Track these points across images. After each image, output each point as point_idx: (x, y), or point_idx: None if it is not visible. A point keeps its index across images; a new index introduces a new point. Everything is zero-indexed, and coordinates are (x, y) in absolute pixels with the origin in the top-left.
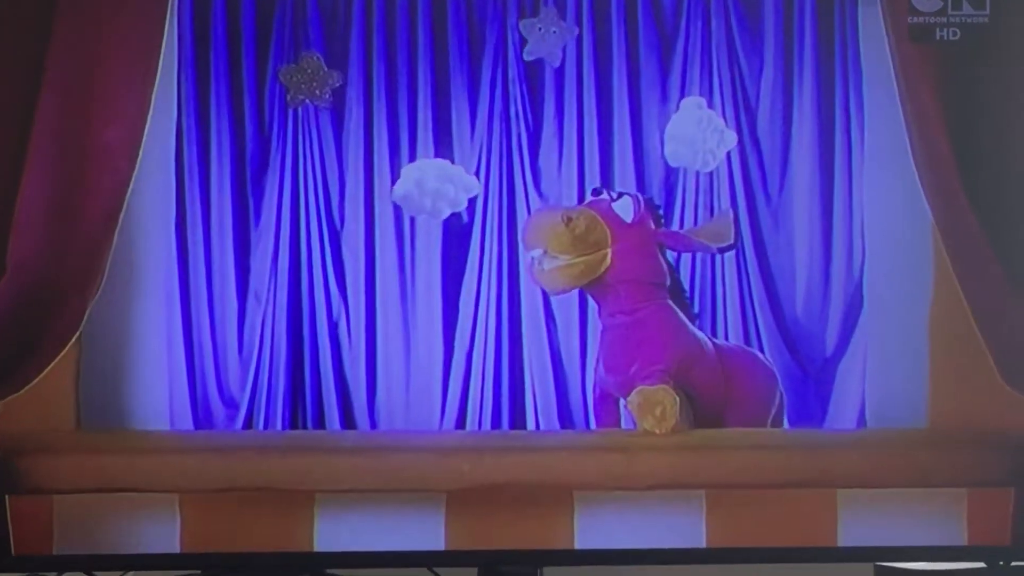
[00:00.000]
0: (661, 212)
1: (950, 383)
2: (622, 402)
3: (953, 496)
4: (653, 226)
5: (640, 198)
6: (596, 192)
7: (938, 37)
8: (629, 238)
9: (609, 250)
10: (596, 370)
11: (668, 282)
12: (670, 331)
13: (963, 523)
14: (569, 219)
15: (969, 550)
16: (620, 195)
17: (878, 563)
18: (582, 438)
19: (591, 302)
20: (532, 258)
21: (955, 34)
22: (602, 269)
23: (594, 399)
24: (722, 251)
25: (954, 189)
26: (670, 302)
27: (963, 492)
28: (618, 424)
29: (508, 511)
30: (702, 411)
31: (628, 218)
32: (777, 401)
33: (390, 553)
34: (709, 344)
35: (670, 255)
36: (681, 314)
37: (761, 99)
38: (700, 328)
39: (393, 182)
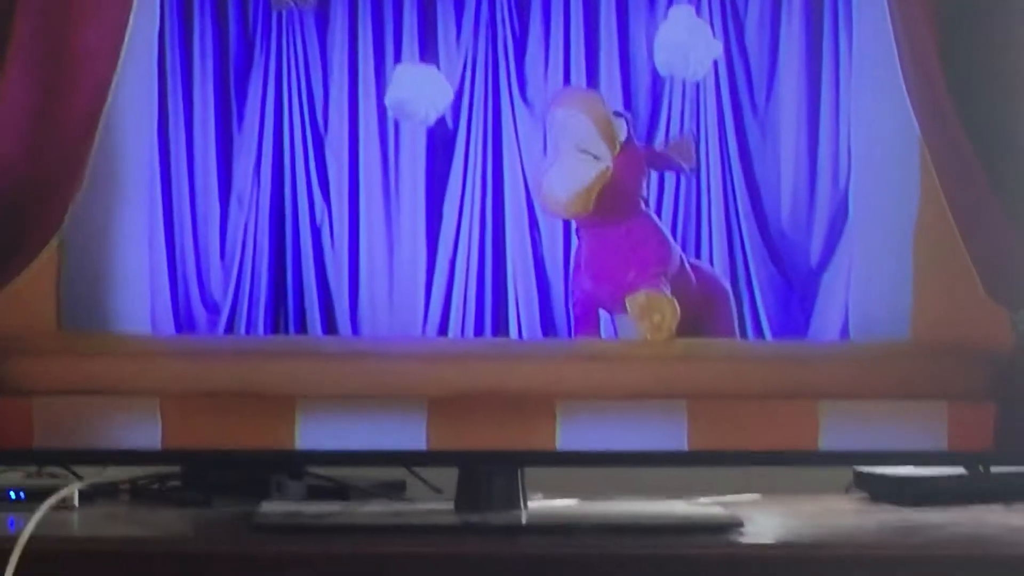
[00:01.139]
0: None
1: (934, 296)
2: (603, 314)
3: (934, 408)
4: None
5: (629, 117)
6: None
7: None
8: (625, 153)
9: (611, 163)
10: (577, 282)
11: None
12: (661, 238)
13: (944, 435)
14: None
15: (949, 455)
16: (617, 114)
17: (856, 467)
18: (564, 346)
19: None
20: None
21: None
22: (607, 177)
23: (575, 313)
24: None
25: (942, 102)
26: (652, 214)
27: (944, 404)
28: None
29: (489, 418)
30: (682, 323)
31: (622, 136)
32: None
33: (370, 452)
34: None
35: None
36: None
37: (750, 9)
38: (684, 237)
39: (378, 87)
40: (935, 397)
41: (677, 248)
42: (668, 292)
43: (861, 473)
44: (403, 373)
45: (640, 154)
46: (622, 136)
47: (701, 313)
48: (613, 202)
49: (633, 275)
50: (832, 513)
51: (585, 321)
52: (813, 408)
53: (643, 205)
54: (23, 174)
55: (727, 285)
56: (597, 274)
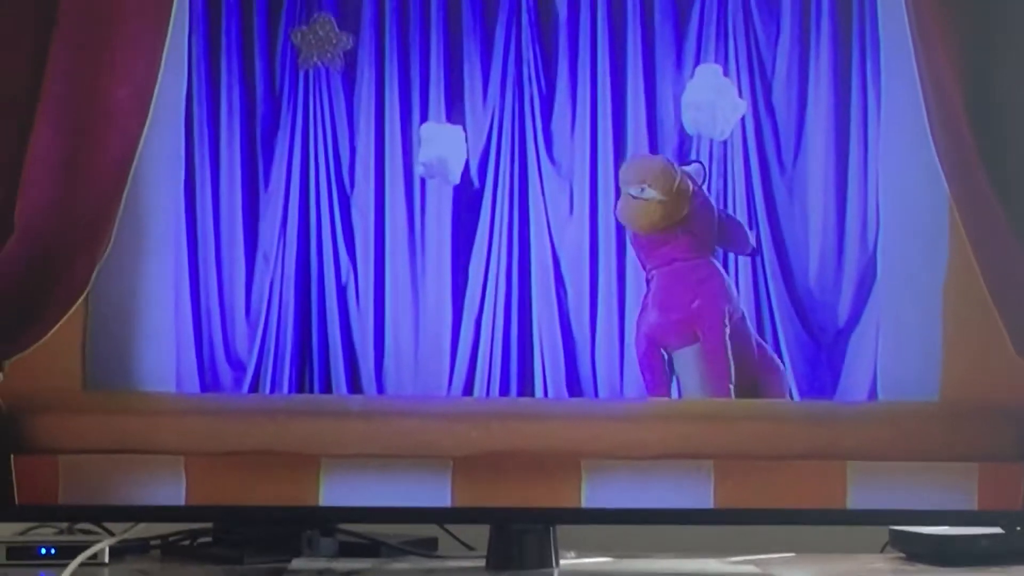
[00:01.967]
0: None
1: (964, 356)
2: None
3: (964, 470)
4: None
5: (704, 169)
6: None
7: None
8: (700, 197)
9: (690, 203)
10: (644, 318)
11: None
12: (726, 284)
13: (974, 495)
14: (672, 163)
15: (985, 514)
16: (691, 161)
17: (892, 527)
18: (590, 406)
19: (600, 272)
20: (629, 194)
21: None
22: (679, 216)
23: (639, 353)
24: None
25: (971, 160)
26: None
27: (974, 467)
28: (667, 379)
29: (515, 478)
30: (738, 376)
31: (699, 179)
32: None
33: (402, 509)
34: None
35: None
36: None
37: (777, 67)
38: None
39: (405, 146)
40: (965, 458)
41: (740, 303)
42: (727, 336)
43: (897, 532)
44: (428, 432)
45: (711, 205)
46: (699, 179)
47: (758, 379)
48: (687, 242)
49: (698, 304)
50: (869, 572)
51: (651, 365)
52: (841, 469)
53: (712, 255)
54: (51, 232)
55: (782, 366)
56: (664, 304)
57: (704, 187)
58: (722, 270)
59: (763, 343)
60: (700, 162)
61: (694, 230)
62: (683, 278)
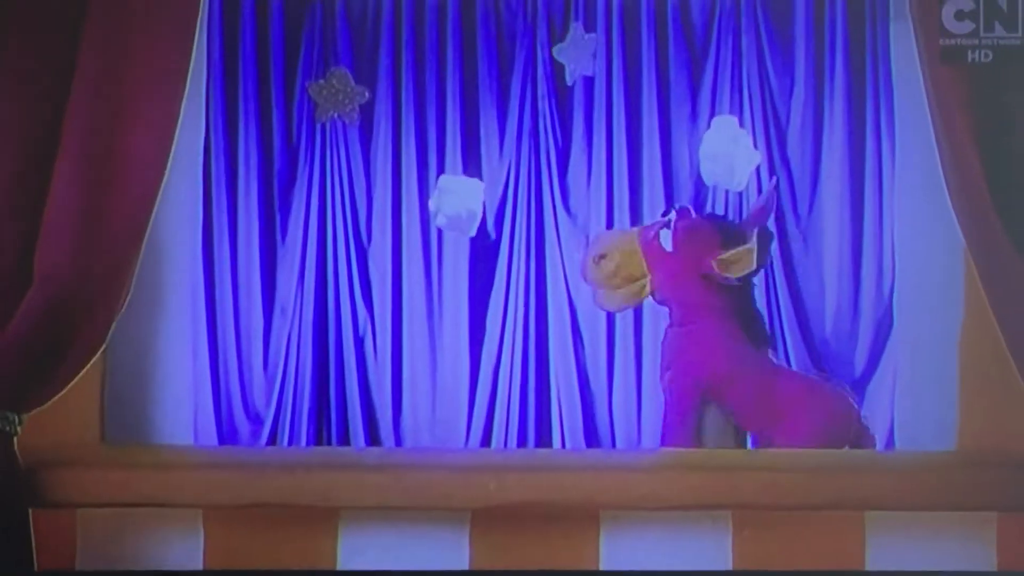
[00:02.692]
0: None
1: (980, 405)
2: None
3: (983, 520)
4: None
5: (700, 225)
6: (678, 211)
7: (970, 59)
8: (668, 267)
9: (646, 280)
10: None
11: (725, 302)
12: (711, 348)
13: (993, 548)
14: (600, 258)
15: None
16: (667, 221)
17: None
18: (608, 457)
19: (617, 322)
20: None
21: (987, 56)
22: (644, 295)
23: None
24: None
25: (986, 211)
26: (731, 321)
27: (993, 516)
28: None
29: (533, 530)
30: (742, 427)
31: (668, 247)
32: (853, 432)
33: (419, 573)
34: (767, 366)
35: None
36: (737, 333)
37: (791, 118)
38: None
39: (421, 198)
40: (983, 508)
41: (746, 357)
42: (692, 408)
43: None
44: (446, 484)
45: (693, 261)
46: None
47: (785, 422)
48: (671, 305)
49: (669, 376)
50: None
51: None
52: (859, 520)
53: (712, 311)
54: (70, 284)
55: (848, 399)
56: (660, 368)
57: (682, 243)
58: (725, 331)
59: (813, 381)
60: (671, 221)
61: (672, 297)
62: (667, 347)
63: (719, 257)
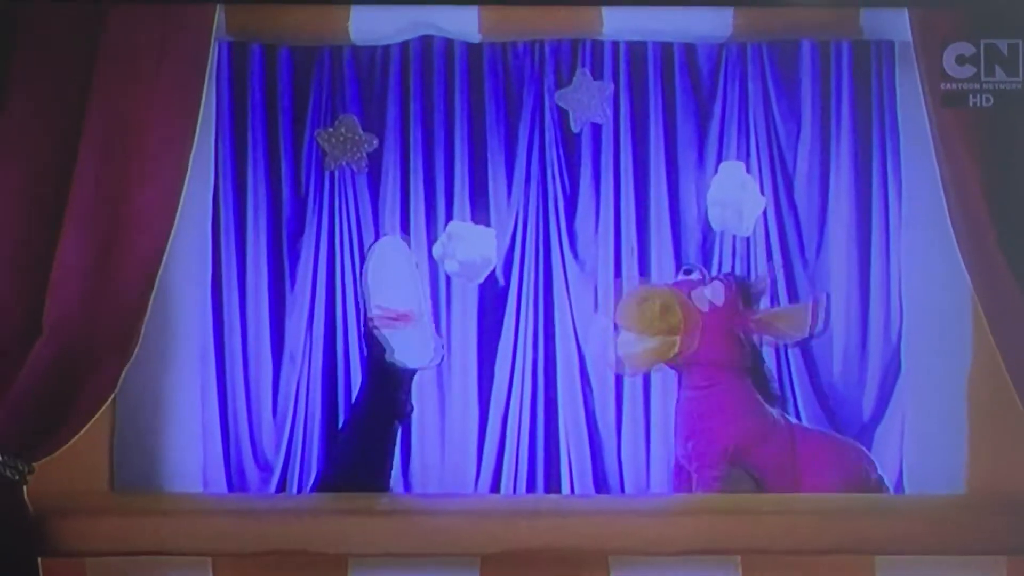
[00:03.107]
0: (755, 290)
1: (990, 448)
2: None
3: (993, 564)
4: (742, 306)
5: (732, 282)
6: (687, 271)
7: (971, 103)
8: (705, 324)
9: (678, 338)
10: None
11: (748, 363)
12: (734, 412)
13: None
14: (644, 300)
15: None
16: (713, 279)
17: None
18: (617, 502)
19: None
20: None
21: (988, 100)
22: (672, 352)
23: (672, 470)
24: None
25: (992, 254)
26: (747, 380)
27: (1003, 560)
28: None
29: (542, 575)
30: (768, 489)
31: (718, 302)
32: (872, 484)
33: None
34: (783, 424)
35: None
36: (754, 394)
37: (798, 163)
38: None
39: (429, 246)
40: (993, 551)
41: (768, 418)
42: (722, 472)
43: None
44: (455, 530)
45: (733, 321)
46: (719, 301)
47: (806, 480)
48: (693, 368)
49: (692, 444)
50: None
51: (678, 486)
52: (869, 564)
53: (735, 372)
54: (79, 334)
55: (861, 452)
56: (678, 436)
57: (729, 302)
58: (748, 392)
59: (828, 436)
60: (724, 278)
61: (703, 358)
62: (688, 412)
63: (771, 311)
